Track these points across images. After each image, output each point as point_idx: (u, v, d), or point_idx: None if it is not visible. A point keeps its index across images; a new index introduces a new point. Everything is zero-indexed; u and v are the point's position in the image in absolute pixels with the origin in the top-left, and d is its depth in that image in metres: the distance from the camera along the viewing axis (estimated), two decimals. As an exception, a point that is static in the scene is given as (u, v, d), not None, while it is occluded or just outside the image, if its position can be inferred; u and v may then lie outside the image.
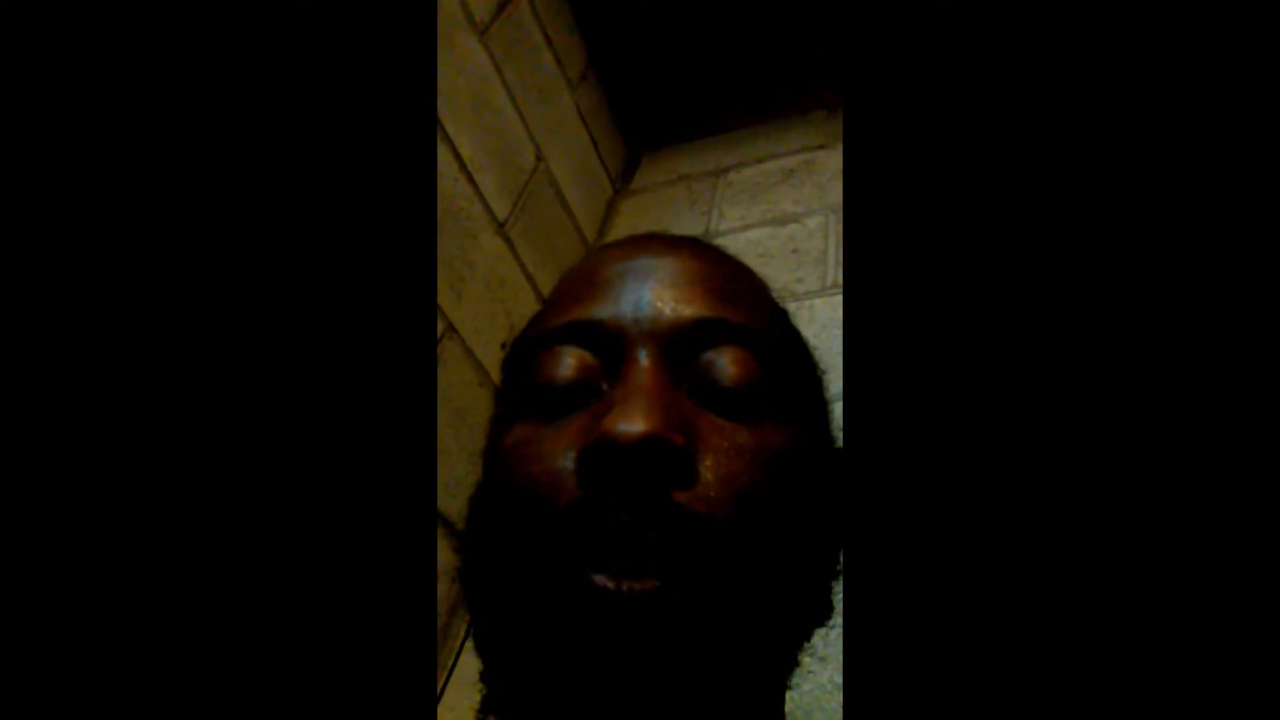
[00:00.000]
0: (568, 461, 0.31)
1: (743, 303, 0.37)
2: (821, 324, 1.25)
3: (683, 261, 0.38)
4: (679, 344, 0.34)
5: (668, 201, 1.74)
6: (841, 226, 1.43)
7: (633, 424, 0.29)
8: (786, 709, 0.38)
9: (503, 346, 1.29)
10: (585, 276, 0.39)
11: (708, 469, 0.31)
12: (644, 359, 0.33)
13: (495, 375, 1.25)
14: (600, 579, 0.28)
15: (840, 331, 1.22)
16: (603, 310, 0.35)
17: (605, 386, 0.34)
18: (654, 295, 0.35)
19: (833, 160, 1.60)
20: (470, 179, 1.29)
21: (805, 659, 0.36)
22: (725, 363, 0.34)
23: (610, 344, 0.34)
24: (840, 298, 1.29)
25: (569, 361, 0.34)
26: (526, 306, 1.39)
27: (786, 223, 1.51)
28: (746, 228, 1.55)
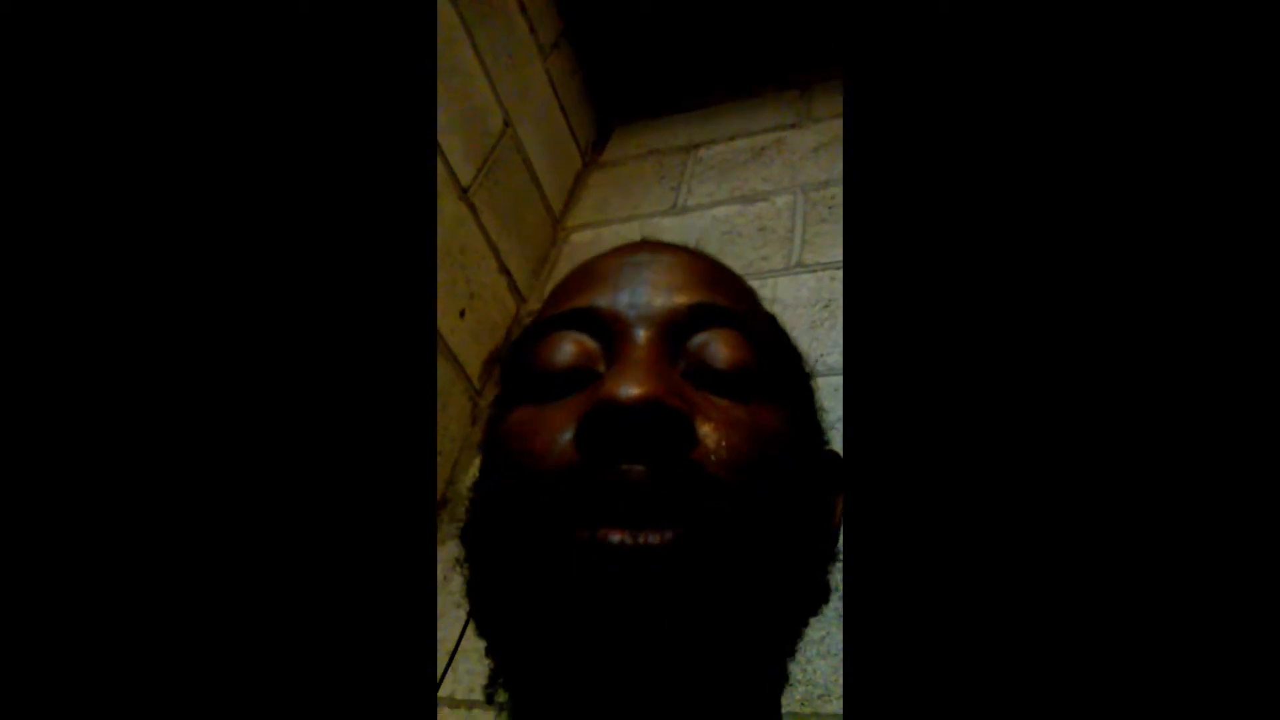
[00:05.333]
0: (566, 432, 0.31)
1: (732, 292, 0.38)
2: (785, 303, 1.24)
3: (675, 256, 0.39)
4: (674, 328, 0.34)
5: (637, 175, 1.72)
6: (808, 206, 1.42)
7: (632, 387, 0.29)
8: None
9: (461, 315, 1.27)
10: (579, 275, 0.39)
11: (708, 437, 0.31)
12: (641, 338, 0.34)
13: (452, 343, 1.23)
14: (613, 534, 0.28)
15: (803, 310, 1.22)
16: (600, 299, 0.36)
17: (603, 369, 0.34)
18: (649, 284, 0.36)
19: (803, 139, 1.59)
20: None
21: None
22: (718, 345, 0.34)
23: (608, 329, 0.35)
24: (804, 276, 1.28)
25: (567, 347, 0.35)
26: (488, 275, 1.37)
27: (755, 200, 1.50)
28: (715, 204, 1.54)
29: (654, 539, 0.27)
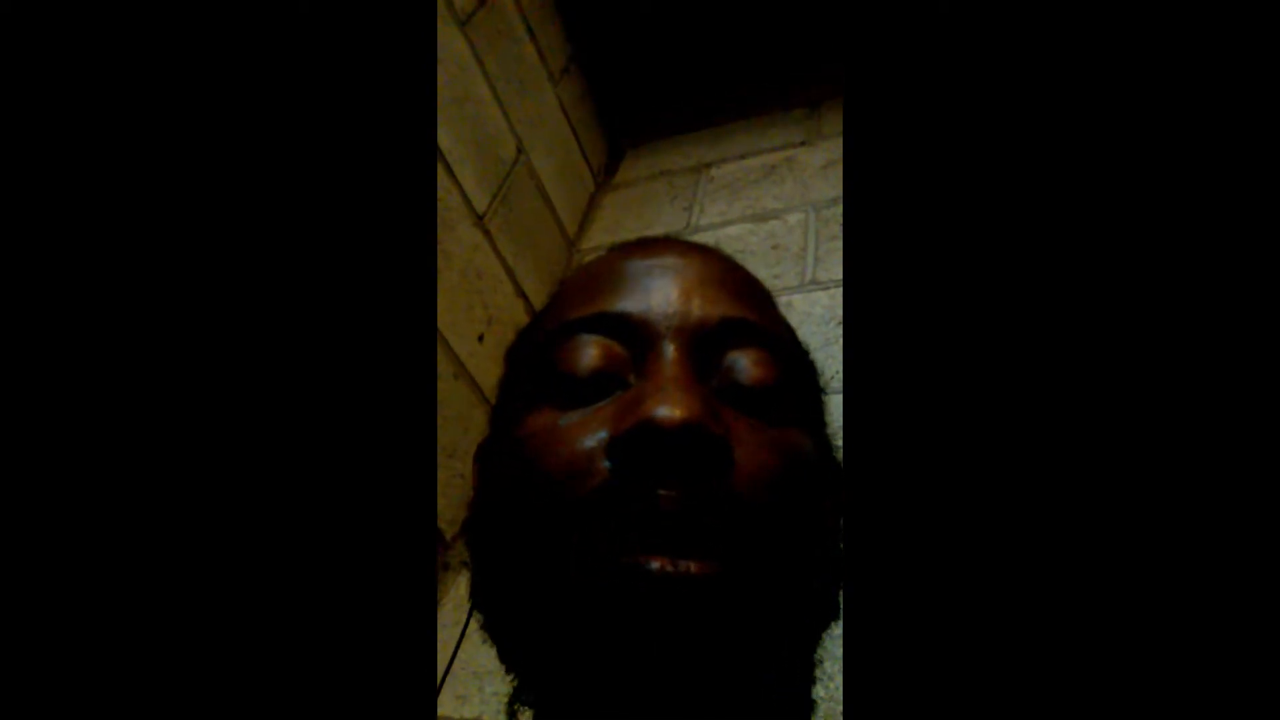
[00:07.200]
0: (596, 447, 0.30)
1: (758, 304, 0.38)
2: (799, 319, 1.25)
3: (706, 264, 0.38)
4: (705, 342, 0.34)
5: (649, 196, 1.74)
6: (820, 224, 1.43)
7: (675, 409, 0.28)
8: None
9: (480, 339, 1.28)
10: (606, 272, 0.38)
11: (741, 460, 0.30)
12: (672, 352, 0.33)
13: (471, 367, 1.24)
14: (653, 561, 0.27)
15: (816, 327, 1.23)
16: (630, 304, 0.35)
17: (632, 379, 0.33)
18: (681, 293, 0.35)
19: (814, 157, 1.60)
20: (449, 170, 1.28)
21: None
22: (748, 364, 0.34)
23: (638, 336, 0.34)
24: (818, 294, 1.29)
25: (593, 351, 0.34)
26: (504, 299, 1.39)
27: (767, 219, 1.51)
28: (727, 223, 1.55)
29: (693, 568, 0.27)
